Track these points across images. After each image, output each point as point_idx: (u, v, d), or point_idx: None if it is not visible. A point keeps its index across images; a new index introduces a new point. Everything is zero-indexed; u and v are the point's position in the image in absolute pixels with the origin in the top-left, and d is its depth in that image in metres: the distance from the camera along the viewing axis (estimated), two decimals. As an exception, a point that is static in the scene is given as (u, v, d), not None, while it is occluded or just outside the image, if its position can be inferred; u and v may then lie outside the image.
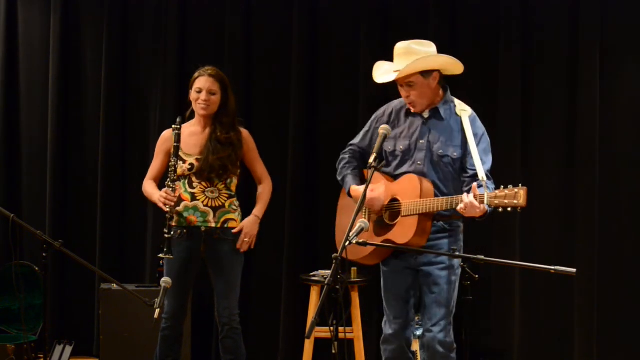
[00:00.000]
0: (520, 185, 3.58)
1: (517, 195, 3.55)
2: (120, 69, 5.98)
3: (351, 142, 4.28)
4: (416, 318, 4.37)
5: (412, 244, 3.90)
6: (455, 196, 3.81)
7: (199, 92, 4.58)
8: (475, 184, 3.72)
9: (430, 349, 3.96)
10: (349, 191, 4.15)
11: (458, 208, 3.72)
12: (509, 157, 5.52)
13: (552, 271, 3.35)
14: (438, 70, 3.97)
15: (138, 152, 5.92)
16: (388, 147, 4.06)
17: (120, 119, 5.99)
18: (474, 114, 4.04)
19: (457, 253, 3.85)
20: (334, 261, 3.44)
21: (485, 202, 3.63)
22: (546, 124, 5.61)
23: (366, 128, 4.24)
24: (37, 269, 5.48)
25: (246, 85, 5.85)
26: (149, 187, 4.69)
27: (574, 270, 3.35)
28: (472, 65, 5.48)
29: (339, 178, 4.23)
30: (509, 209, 3.58)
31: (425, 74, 3.93)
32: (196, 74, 4.63)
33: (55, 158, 5.97)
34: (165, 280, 4.03)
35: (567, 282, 5.44)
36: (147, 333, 4.69)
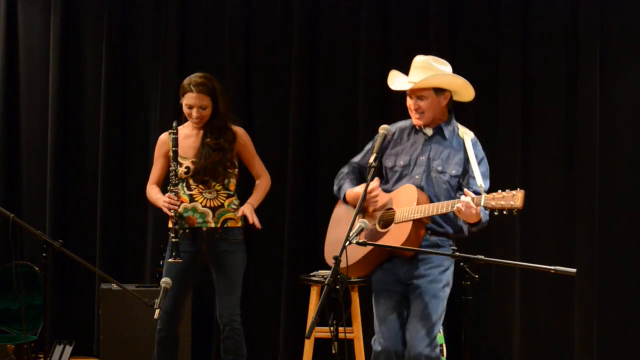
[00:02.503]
0: (518, 188, 3.60)
1: (514, 197, 3.56)
2: (120, 69, 5.98)
3: (352, 160, 4.28)
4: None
5: (401, 250, 3.88)
6: (449, 201, 3.81)
7: (190, 108, 4.54)
8: (465, 189, 3.76)
9: None
10: (344, 196, 4.14)
11: (455, 208, 3.72)
12: (509, 157, 5.52)
13: (552, 271, 3.34)
14: (449, 91, 4.00)
15: (138, 152, 5.91)
16: (388, 163, 4.07)
17: (120, 119, 5.99)
18: (476, 138, 4.07)
19: (457, 253, 3.84)
20: (334, 261, 3.44)
21: (482, 203, 3.63)
22: (546, 124, 5.61)
23: (368, 146, 4.24)
24: (37, 269, 5.49)
25: (246, 85, 5.85)
26: (153, 193, 4.69)
27: (574, 270, 3.34)
28: (472, 66, 5.52)
29: (336, 189, 4.22)
30: (505, 212, 3.59)
31: (438, 91, 3.97)
32: (185, 85, 4.55)
33: (55, 158, 5.96)
34: (165, 281, 4.02)
35: (567, 282, 5.44)
36: (147, 333, 4.69)
